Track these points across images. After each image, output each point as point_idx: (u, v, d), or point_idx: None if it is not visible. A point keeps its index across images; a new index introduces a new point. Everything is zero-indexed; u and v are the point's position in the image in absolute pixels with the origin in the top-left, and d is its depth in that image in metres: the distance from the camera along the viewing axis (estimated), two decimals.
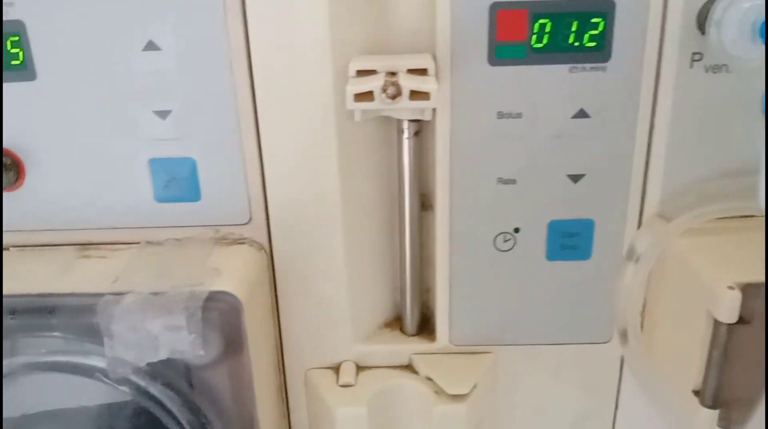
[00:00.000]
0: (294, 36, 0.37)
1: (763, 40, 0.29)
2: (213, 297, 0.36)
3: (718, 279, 0.34)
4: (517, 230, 0.41)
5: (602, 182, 0.40)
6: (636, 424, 0.46)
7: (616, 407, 0.46)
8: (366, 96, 0.33)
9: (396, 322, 0.46)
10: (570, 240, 0.41)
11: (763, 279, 0.34)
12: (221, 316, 0.36)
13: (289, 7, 0.36)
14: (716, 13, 0.33)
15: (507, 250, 0.42)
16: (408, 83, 0.32)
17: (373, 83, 0.32)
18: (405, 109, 0.33)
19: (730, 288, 0.33)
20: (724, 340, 0.34)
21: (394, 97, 0.32)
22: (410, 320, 0.45)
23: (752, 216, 0.39)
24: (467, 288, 0.43)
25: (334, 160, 0.39)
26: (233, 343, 0.37)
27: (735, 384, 0.36)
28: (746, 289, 0.33)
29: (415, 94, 0.33)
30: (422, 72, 0.35)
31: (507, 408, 0.46)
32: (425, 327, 0.46)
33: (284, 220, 0.41)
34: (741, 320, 0.34)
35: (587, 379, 0.45)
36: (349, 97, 0.33)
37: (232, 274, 0.38)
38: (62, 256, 0.41)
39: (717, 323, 0.34)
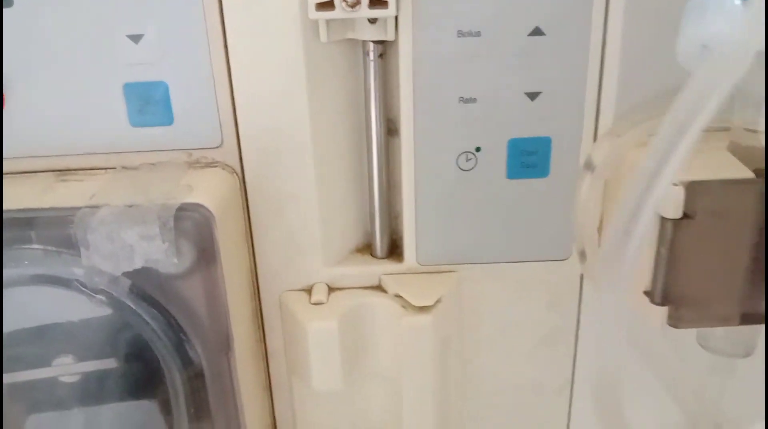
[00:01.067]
0: None
1: None
2: (185, 208, 0.38)
3: None
4: (478, 149, 0.43)
5: (558, 100, 0.42)
6: (598, 340, 0.48)
7: (578, 323, 0.48)
8: (328, 6, 0.34)
9: (368, 248, 0.48)
10: (529, 158, 0.43)
11: (706, 177, 0.36)
12: (193, 225, 0.38)
13: None
14: None
15: (469, 170, 0.43)
16: None
17: None
18: (362, 21, 0.34)
19: (674, 185, 0.35)
20: (670, 236, 0.36)
21: (353, 5, 0.34)
22: (380, 244, 0.47)
23: None
24: (432, 209, 0.45)
25: (302, 86, 0.41)
26: (206, 253, 0.39)
27: (683, 281, 0.38)
28: (690, 186, 0.35)
29: (375, 2, 0.34)
30: None
31: (473, 327, 0.48)
32: (395, 250, 0.48)
33: (255, 145, 0.43)
34: (685, 216, 0.36)
35: (549, 297, 0.47)
36: (311, 6, 0.34)
37: (204, 190, 0.40)
38: (41, 181, 0.43)
39: (663, 220, 0.36)
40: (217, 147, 0.43)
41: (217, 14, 0.40)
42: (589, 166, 0.42)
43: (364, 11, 0.34)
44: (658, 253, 0.37)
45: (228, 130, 0.43)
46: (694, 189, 0.35)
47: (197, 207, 0.38)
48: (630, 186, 0.30)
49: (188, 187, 0.40)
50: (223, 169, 0.43)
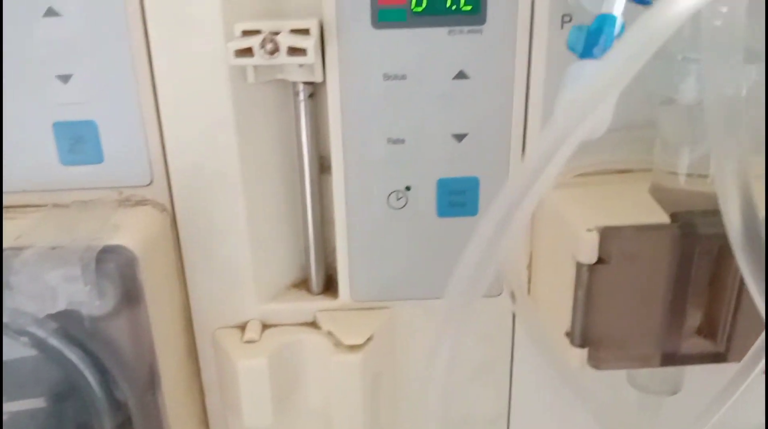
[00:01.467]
0: (187, 2, 0.38)
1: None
2: (108, 249, 0.38)
3: (580, 223, 0.37)
4: (408, 188, 0.43)
5: (484, 141, 0.42)
6: (532, 374, 0.48)
7: (512, 358, 0.48)
8: (247, 52, 0.35)
9: (304, 283, 0.48)
10: (458, 197, 0.44)
11: (621, 223, 0.36)
12: (116, 267, 0.38)
13: None
14: None
15: (400, 208, 0.44)
16: (285, 40, 0.34)
17: (253, 40, 0.34)
18: (286, 65, 0.35)
19: (589, 230, 0.36)
20: (586, 280, 0.37)
21: (272, 52, 0.34)
22: (315, 279, 0.47)
23: (623, 171, 0.42)
24: (365, 246, 0.45)
25: (231, 125, 0.41)
26: (130, 294, 0.39)
27: (601, 323, 0.38)
28: (604, 231, 0.36)
29: (293, 51, 0.35)
30: (305, 32, 0.37)
31: (406, 362, 0.48)
32: (331, 286, 0.48)
33: (185, 182, 0.43)
34: (601, 261, 0.36)
35: (482, 332, 0.47)
36: (230, 53, 0.35)
37: (130, 231, 0.40)
38: None
39: (579, 265, 0.37)
40: (147, 185, 0.43)
41: (145, 55, 0.40)
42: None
43: (283, 59, 0.35)
44: (575, 296, 0.38)
45: (158, 169, 0.43)
46: (607, 234, 0.36)
47: (120, 249, 0.38)
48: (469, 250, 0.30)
49: (115, 227, 0.40)
50: (154, 206, 0.43)
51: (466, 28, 0.39)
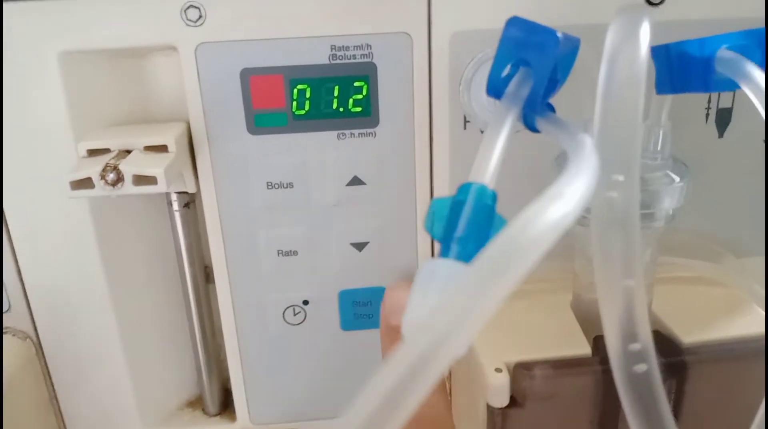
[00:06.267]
0: (33, 117, 0.33)
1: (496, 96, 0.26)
2: None
3: (489, 360, 0.32)
4: (306, 303, 0.38)
5: (388, 248, 0.37)
6: None
7: None
8: (87, 183, 0.29)
9: (199, 401, 0.43)
10: (364, 309, 0.39)
11: (537, 356, 0.32)
12: None
13: (24, 88, 0.32)
14: (466, 75, 0.31)
15: (298, 324, 0.39)
16: (130, 168, 0.29)
17: (92, 169, 0.29)
18: (131, 195, 0.29)
19: (497, 370, 0.31)
20: (500, 425, 0.32)
21: (115, 183, 0.29)
22: (209, 399, 0.42)
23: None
24: (261, 364, 0.40)
25: (92, 240, 0.36)
26: None
27: None
28: (516, 371, 0.31)
29: (141, 178, 0.29)
30: (162, 149, 0.31)
31: None
32: (230, 404, 0.42)
33: (47, 306, 0.37)
34: (513, 403, 0.32)
35: None
36: (66, 186, 0.29)
37: None
38: None
39: (490, 408, 0.32)
40: (6, 311, 0.37)
41: None
42: None
43: (129, 189, 0.29)
44: None
45: (14, 293, 0.37)
46: (519, 374, 0.31)
47: None
48: None
49: None
50: (14, 335, 0.38)
51: (357, 131, 0.34)
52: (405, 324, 0.19)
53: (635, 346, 0.21)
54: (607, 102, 0.21)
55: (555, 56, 0.23)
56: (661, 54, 0.27)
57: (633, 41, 0.21)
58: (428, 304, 0.19)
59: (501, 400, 0.31)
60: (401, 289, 0.38)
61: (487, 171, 0.20)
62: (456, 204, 0.19)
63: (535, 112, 0.24)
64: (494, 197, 0.20)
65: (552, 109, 0.25)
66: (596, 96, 0.21)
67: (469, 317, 0.16)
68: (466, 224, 0.19)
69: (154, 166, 0.29)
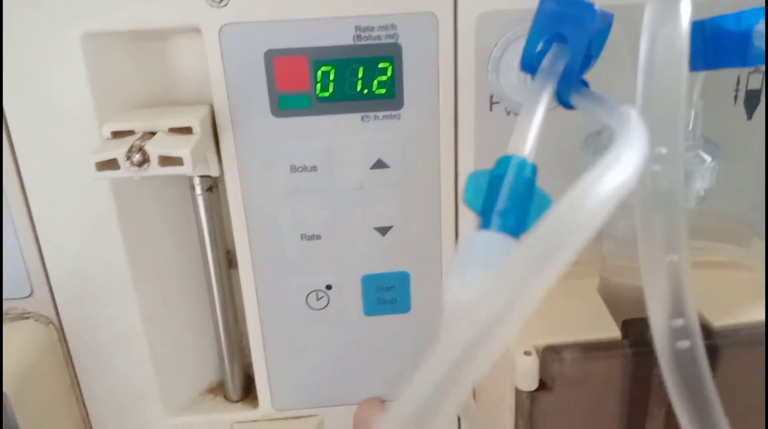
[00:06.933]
0: (55, 101, 0.33)
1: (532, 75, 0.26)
2: None
3: (517, 343, 0.31)
4: (329, 287, 0.38)
5: (412, 233, 0.37)
6: None
7: None
8: (112, 164, 0.29)
9: (221, 387, 0.43)
10: (387, 293, 0.38)
11: (566, 339, 0.31)
12: None
13: (46, 72, 0.32)
14: (494, 55, 0.31)
15: (321, 309, 0.38)
16: (156, 149, 0.29)
17: (118, 150, 0.29)
18: (158, 176, 0.29)
19: (527, 353, 0.31)
20: (528, 408, 0.32)
21: (140, 164, 0.28)
22: (231, 385, 0.42)
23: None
24: (284, 350, 0.40)
25: (115, 226, 0.36)
26: None
27: None
28: (545, 354, 0.31)
29: (167, 160, 0.29)
30: (187, 131, 0.31)
31: None
32: (252, 390, 0.42)
33: (70, 291, 0.37)
34: (542, 386, 0.31)
35: None
36: (92, 167, 0.29)
37: (6, 353, 0.34)
38: None
39: (518, 391, 0.31)
40: (28, 296, 0.37)
41: (10, 157, 0.34)
42: None
43: (155, 170, 0.29)
44: (516, 425, 0.32)
45: (37, 278, 0.37)
46: (549, 357, 0.31)
47: None
48: None
49: None
50: (37, 320, 0.38)
51: (381, 114, 0.34)
52: (446, 304, 0.19)
53: (678, 322, 0.20)
54: (649, 77, 0.20)
55: (591, 30, 0.22)
56: (696, 30, 0.27)
57: (674, 17, 0.21)
58: (470, 281, 0.18)
59: (530, 383, 0.31)
60: (371, 407, 0.38)
61: (527, 144, 0.20)
62: (495, 178, 0.19)
63: (570, 88, 0.23)
64: (534, 170, 0.19)
65: (586, 85, 0.25)
66: (635, 72, 0.21)
67: (525, 295, 0.16)
68: (507, 197, 0.18)
69: (180, 147, 0.29)
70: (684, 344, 0.21)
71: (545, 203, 0.19)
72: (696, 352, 0.21)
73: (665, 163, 0.20)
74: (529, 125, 0.21)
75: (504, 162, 0.19)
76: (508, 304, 0.15)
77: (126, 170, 0.29)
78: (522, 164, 0.19)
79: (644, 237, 0.21)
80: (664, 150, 0.20)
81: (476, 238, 0.19)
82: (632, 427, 0.33)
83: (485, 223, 0.19)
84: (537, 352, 0.31)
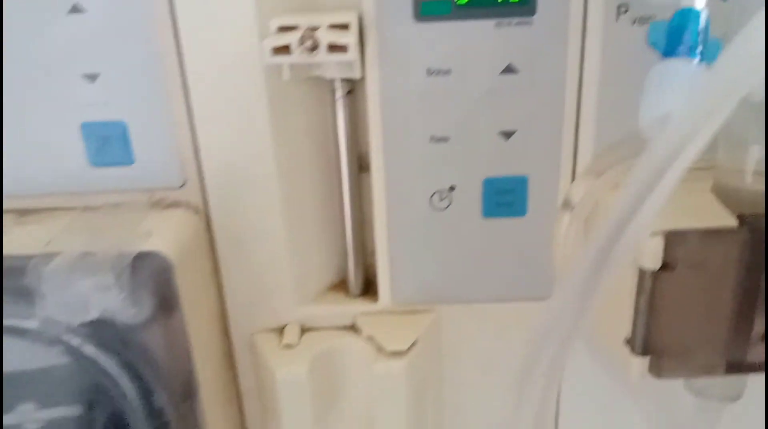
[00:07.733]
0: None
1: None
2: (142, 256, 0.36)
3: None
4: (452, 189, 0.41)
5: (534, 138, 0.40)
6: (581, 381, 0.46)
7: None
8: (285, 50, 0.33)
9: (342, 285, 0.46)
10: (505, 197, 0.41)
11: (687, 226, 0.34)
12: (151, 275, 0.36)
13: None
14: None
15: (443, 209, 0.42)
16: (325, 36, 0.32)
17: (291, 37, 0.32)
18: (325, 62, 0.33)
19: (653, 234, 0.33)
20: (650, 287, 0.34)
21: (312, 49, 0.32)
22: (353, 282, 0.45)
23: None
24: (406, 248, 0.43)
25: (266, 122, 0.39)
26: (165, 302, 0.37)
27: (663, 331, 0.36)
28: (669, 236, 0.34)
29: (334, 48, 0.33)
30: (344, 28, 0.35)
31: (452, 367, 0.46)
32: (371, 289, 0.46)
33: (219, 183, 0.41)
34: (665, 266, 0.34)
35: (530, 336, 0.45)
36: (267, 51, 0.33)
37: (163, 235, 0.38)
38: None
39: (642, 270, 0.34)
40: (180, 187, 0.41)
41: (175, 53, 0.38)
42: (567, 205, 0.40)
43: (323, 56, 0.33)
44: (637, 303, 0.35)
45: (190, 170, 0.41)
46: (673, 239, 0.34)
47: (155, 255, 0.37)
48: (594, 236, 0.28)
49: (148, 232, 0.39)
50: (186, 209, 0.42)
51: (514, 20, 0.37)
52: (642, 126, 0.22)
53: None
54: None
55: None
56: None
57: None
58: (664, 104, 0.21)
59: (654, 262, 0.34)
60: None
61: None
62: (675, 24, 0.22)
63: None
64: (708, 21, 0.22)
65: None
66: None
67: (720, 109, 0.19)
68: (692, 35, 0.21)
69: (344, 36, 0.32)
70: None
71: (717, 47, 0.21)
72: None
73: None
74: None
75: (681, 13, 0.22)
76: (706, 118, 0.18)
77: (297, 55, 0.32)
78: (696, 14, 0.22)
79: None
80: None
81: (665, 65, 0.22)
82: (744, 313, 0.35)
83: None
84: (662, 234, 0.34)
